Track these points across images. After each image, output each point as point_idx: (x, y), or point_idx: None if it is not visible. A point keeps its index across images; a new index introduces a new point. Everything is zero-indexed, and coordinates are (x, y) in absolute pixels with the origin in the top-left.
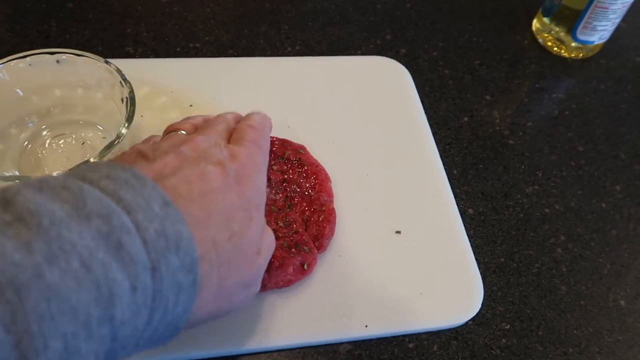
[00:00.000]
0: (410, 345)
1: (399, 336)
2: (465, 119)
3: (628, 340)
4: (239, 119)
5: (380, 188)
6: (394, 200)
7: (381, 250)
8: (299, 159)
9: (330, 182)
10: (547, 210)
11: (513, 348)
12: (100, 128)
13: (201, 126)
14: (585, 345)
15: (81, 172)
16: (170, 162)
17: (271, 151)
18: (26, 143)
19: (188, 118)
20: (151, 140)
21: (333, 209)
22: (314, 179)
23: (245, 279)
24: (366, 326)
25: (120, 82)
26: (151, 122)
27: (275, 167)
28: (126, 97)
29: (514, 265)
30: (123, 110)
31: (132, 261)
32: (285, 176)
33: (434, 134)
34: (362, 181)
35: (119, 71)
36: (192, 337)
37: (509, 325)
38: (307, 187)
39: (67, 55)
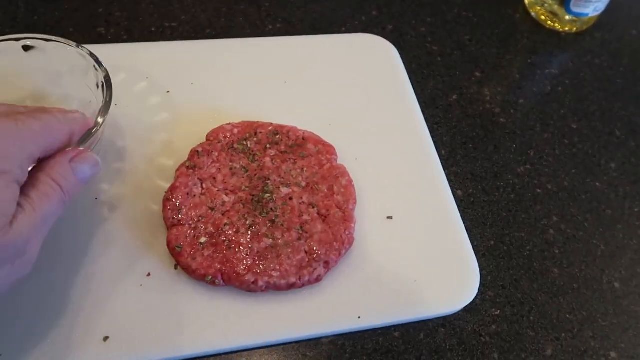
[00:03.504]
0: (396, 334)
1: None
2: (455, 97)
3: (623, 323)
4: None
5: (370, 172)
6: (385, 185)
7: (373, 237)
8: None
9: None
10: (539, 190)
11: (503, 334)
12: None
13: None
14: (579, 330)
15: None
16: None
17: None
18: None
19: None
20: None
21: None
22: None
23: (4, 257)
24: (359, 317)
25: (94, 66)
26: (126, 110)
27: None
28: (101, 82)
29: (505, 248)
30: (100, 96)
31: None
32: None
33: (422, 113)
34: (350, 165)
35: (92, 55)
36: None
37: (499, 311)
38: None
39: (34, 40)
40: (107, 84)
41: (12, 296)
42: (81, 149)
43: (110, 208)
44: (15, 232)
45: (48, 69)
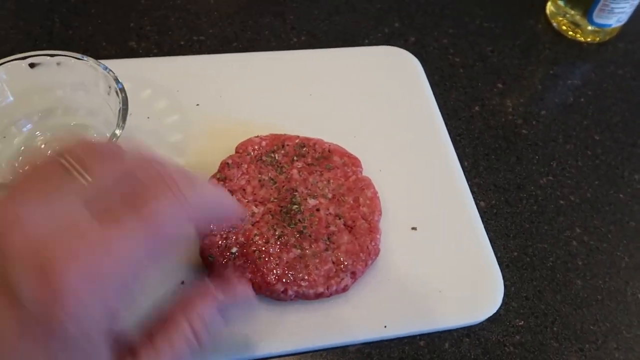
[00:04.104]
0: (422, 342)
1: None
2: (477, 108)
3: None
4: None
5: (394, 184)
6: (409, 196)
7: (398, 248)
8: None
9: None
10: (562, 202)
11: (527, 345)
12: (100, 132)
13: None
14: (603, 341)
15: None
16: None
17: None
18: (22, 148)
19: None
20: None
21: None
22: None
23: None
24: (385, 327)
25: (112, 88)
26: (157, 123)
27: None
28: (120, 107)
29: (528, 259)
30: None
31: None
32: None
33: (445, 124)
34: (374, 177)
35: (113, 76)
36: None
37: (522, 322)
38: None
39: (66, 58)
40: (124, 102)
41: None
42: (234, 280)
43: None
44: None
45: (78, 84)
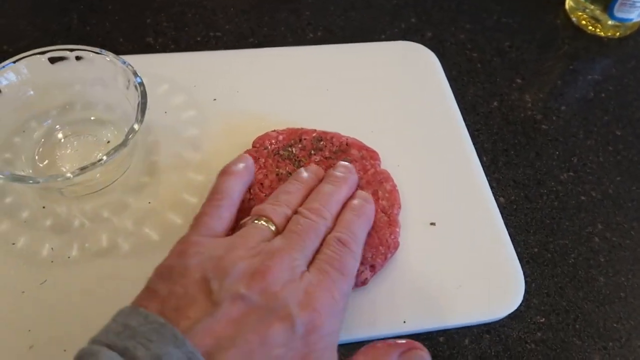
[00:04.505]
0: (441, 339)
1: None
2: (495, 103)
3: None
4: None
5: (412, 179)
6: (427, 191)
7: (416, 243)
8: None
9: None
10: (583, 197)
11: (549, 342)
12: (118, 127)
13: (287, 221)
14: (627, 339)
15: (132, 347)
16: (234, 315)
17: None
18: (42, 140)
19: (279, 191)
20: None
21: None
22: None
23: None
24: (404, 322)
25: (131, 82)
26: (174, 118)
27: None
28: (139, 101)
29: (549, 255)
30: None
31: None
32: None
33: (463, 119)
34: (392, 172)
35: (132, 70)
36: None
37: (544, 319)
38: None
39: (85, 52)
40: (142, 90)
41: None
42: (413, 343)
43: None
44: None
45: (97, 79)
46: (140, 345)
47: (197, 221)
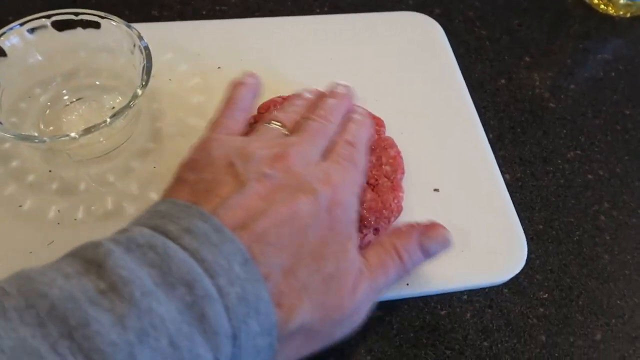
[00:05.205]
0: (443, 312)
1: (431, 303)
2: (503, 81)
3: None
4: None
5: (416, 147)
6: (431, 158)
7: (420, 208)
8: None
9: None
10: (589, 176)
11: (551, 317)
12: (124, 93)
13: (297, 124)
14: (630, 316)
15: (162, 224)
16: (262, 192)
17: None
18: (49, 104)
19: (285, 102)
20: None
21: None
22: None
23: (341, 319)
24: (407, 284)
25: (136, 45)
26: (179, 85)
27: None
28: (144, 64)
29: (554, 232)
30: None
31: (215, 332)
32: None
33: (468, 92)
34: (396, 139)
35: (137, 33)
36: None
37: (547, 294)
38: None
39: (90, 16)
40: (147, 53)
41: None
42: (434, 223)
43: None
44: (355, 298)
45: (102, 46)
46: (170, 222)
47: (215, 123)
